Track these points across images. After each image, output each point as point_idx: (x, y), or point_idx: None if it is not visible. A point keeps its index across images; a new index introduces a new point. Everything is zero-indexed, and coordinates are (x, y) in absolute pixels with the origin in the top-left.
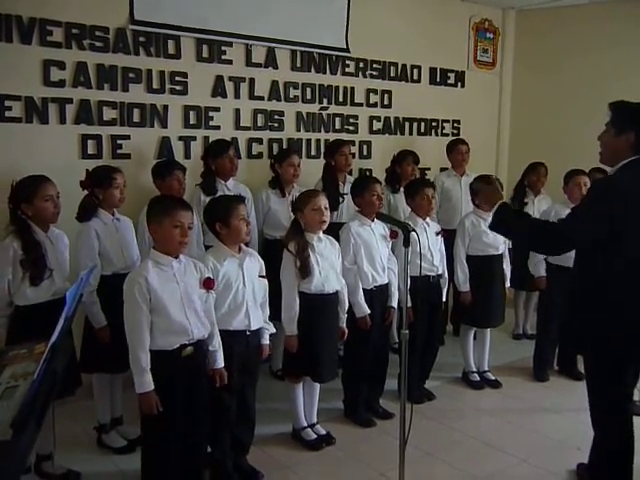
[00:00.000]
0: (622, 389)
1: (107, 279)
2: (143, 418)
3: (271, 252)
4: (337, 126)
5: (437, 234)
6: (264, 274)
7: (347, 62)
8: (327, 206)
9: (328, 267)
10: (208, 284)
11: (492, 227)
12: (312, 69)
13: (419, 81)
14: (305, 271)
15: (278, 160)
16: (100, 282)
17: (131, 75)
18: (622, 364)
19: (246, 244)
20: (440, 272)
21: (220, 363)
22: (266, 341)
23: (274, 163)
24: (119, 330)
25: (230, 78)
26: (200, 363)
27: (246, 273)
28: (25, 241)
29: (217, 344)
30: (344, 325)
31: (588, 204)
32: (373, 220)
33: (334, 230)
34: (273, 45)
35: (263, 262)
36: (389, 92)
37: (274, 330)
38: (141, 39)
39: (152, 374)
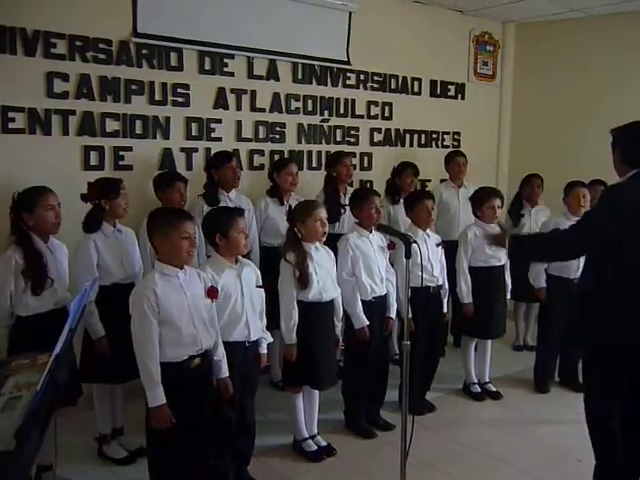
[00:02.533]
0: (611, 398)
1: (106, 290)
2: (149, 430)
3: (269, 260)
4: (338, 138)
5: (437, 245)
6: (261, 284)
7: (348, 74)
8: (326, 217)
9: (325, 276)
10: (212, 293)
11: (510, 255)
12: (313, 81)
13: (420, 93)
14: (305, 282)
15: (276, 169)
16: (99, 293)
17: (134, 87)
18: (616, 371)
19: (244, 256)
20: (440, 283)
21: (225, 372)
22: (264, 350)
23: (272, 172)
24: (119, 340)
25: (232, 90)
26: (207, 373)
27: (244, 284)
28: (26, 251)
29: (221, 354)
30: (339, 333)
31: (594, 209)
32: (371, 231)
33: (334, 241)
34: (274, 57)
35: (260, 271)
36: (390, 104)
37: (272, 339)
38: (144, 51)
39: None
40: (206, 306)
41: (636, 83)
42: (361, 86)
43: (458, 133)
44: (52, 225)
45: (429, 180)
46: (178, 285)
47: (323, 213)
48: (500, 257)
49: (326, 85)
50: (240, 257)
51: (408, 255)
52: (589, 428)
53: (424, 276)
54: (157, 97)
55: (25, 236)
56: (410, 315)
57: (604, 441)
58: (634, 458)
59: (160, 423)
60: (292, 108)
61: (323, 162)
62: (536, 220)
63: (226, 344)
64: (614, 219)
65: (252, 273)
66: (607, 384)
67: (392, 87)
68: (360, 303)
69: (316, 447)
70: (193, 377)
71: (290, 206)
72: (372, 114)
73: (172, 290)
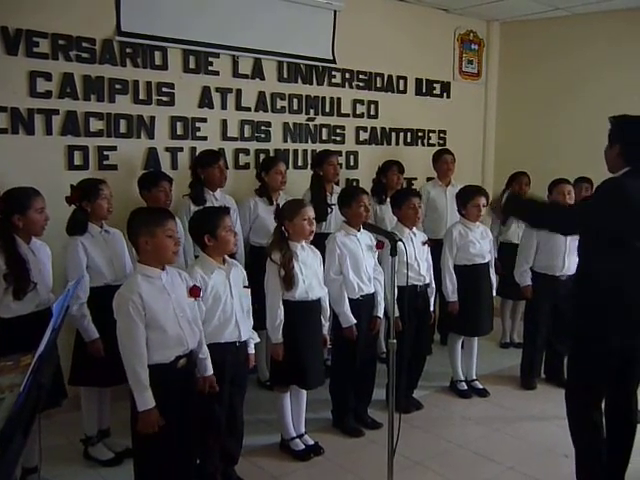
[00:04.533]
0: (595, 390)
1: (98, 291)
2: (135, 432)
3: (257, 259)
4: (324, 137)
5: (423, 244)
6: (247, 284)
7: (333, 73)
8: (314, 216)
9: (311, 275)
10: (195, 292)
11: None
12: (299, 80)
13: (405, 92)
14: (290, 282)
15: (265, 168)
16: (90, 294)
17: (118, 86)
18: (601, 361)
19: (232, 255)
20: (427, 281)
21: (210, 370)
22: (252, 350)
23: (260, 172)
24: (110, 342)
25: (217, 89)
26: (192, 373)
27: (233, 284)
28: (9, 255)
29: (206, 352)
30: (327, 333)
31: (592, 199)
32: (359, 230)
33: (321, 240)
34: (260, 56)
35: (249, 271)
36: (375, 103)
37: (259, 339)
38: (128, 50)
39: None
40: (189, 305)
41: (621, 79)
42: (346, 85)
43: (444, 131)
44: (41, 228)
45: (415, 178)
46: (161, 286)
47: (311, 212)
48: (485, 255)
49: (311, 84)
50: (227, 257)
51: (394, 253)
52: (570, 420)
53: (411, 275)
54: (141, 96)
55: (9, 240)
56: (397, 314)
57: (584, 433)
58: (619, 455)
59: (149, 427)
60: (277, 107)
61: (309, 161)
62: None
63: (217, 345)
64: (613, 213)
65: (239, 273)
66: (593, 376)
67: (378, 85)
68: (347, 302)
69: (304, 446)
70: (179, 378)
71: (278, 205)
72: (358, 113)
73: (156, 292)
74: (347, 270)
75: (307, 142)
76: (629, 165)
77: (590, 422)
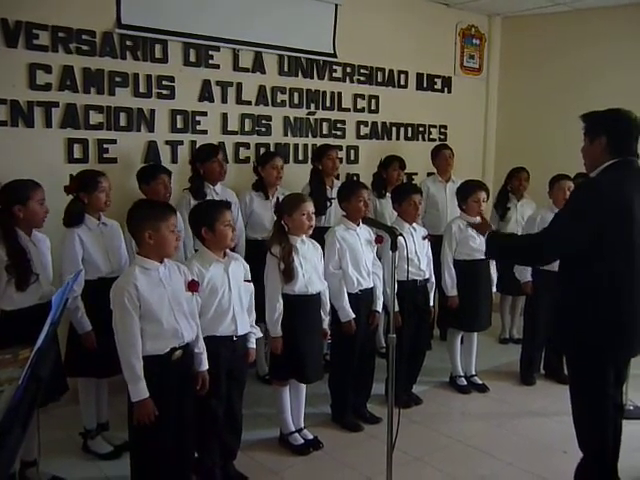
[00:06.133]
0: (602, 390)
1: (92, 284)
2: (131, 424)
3: (252, 253)
4: (324, 131)
5: (424, 238)
6: (249, 278)
7: (334, 67)
8: (313, 211)
9: (311, 269)
10: (193, 286)
11: (486, 254)
12: (299, 74)
13: (406, 86)
14: (289, 275)
15: (261, 163)
16: (85, 287)
17: (118, 79)
18: (602, 364)
19: (231, 249)
20: (427, 276)
21: (204, 366)
22: (252, 345)
23: (257, 166)
24: (105, 334)
25: (217, 82)
26: (188, 365)
27: (232, 278)
28: (10, 247)
29: (202, 347)
30: (326, 326)
31: (569, 208)
32: (359, 225)
33: (321, 234)
34: (260, 50)
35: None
36: (376, 97)
37: (261, 334)
38: (128, 43)
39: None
40: (187, 299)
41: (622, 75)
42: (347, 79)
43: (444, 126)
44: (41, 219)
45: (415, 173)
46: (158, 279)
47: (310, 207)
48: (484, 250)
49: (312, 78)
50: (228, 251)
51: (394, 248)
52: (580, 417)
53: (411, 269)
54: (142, 89)
55: (10, 231)
56: (397, 308)
57: (597, 429)
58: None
59: (144, 417)
60: (278, 101)
61: (309, 155)
62: (522, 214)
63: (212, 338)
64: (590, 217)
65: (240, 267)
66: (591, 376)
67: (378, 80)
68: (346, 296)
69: (303, 440)
70: (175, 370)
71: (278, 199)
72: (358, 107)
73: (152, 284)
74: (346, 264)
75: (307, 136)
76: (616, 157)
77: (602, 417)
